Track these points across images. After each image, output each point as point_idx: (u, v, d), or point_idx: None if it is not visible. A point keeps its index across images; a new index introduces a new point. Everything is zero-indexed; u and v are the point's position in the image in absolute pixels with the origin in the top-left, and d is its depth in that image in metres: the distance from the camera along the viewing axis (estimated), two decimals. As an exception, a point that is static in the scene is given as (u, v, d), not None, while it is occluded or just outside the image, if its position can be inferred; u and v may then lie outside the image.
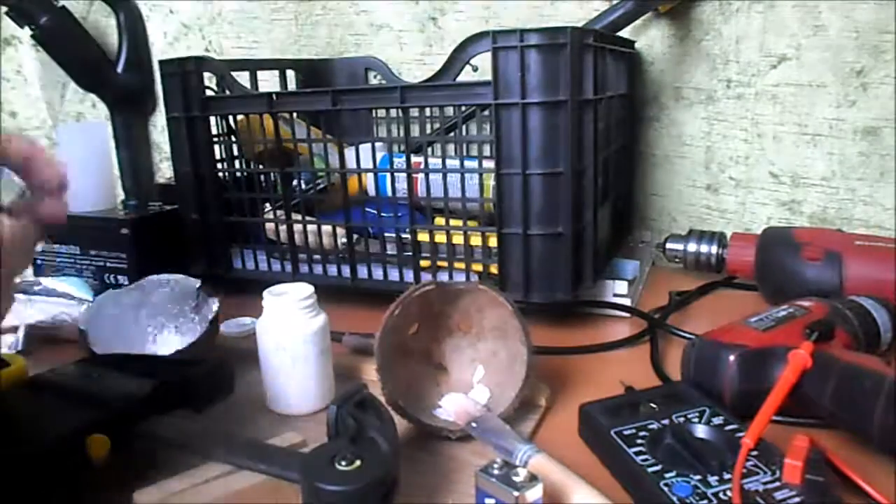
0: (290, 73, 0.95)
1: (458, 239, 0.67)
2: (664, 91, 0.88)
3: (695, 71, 0.86)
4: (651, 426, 0.44)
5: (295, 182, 0.76)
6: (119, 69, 1.09)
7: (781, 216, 0.85)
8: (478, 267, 0.67)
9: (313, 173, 0.75)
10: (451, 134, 0.75)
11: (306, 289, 0.51)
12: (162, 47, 1.13)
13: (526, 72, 0.58)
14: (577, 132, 0.60)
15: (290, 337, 0.50)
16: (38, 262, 0.79)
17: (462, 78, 0.62)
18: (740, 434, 0.41)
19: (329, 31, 1.02)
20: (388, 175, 0.69)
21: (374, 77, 0.99)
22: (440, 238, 0.67)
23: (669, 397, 0.48)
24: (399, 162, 0.70)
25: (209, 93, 0.74)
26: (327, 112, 0.67)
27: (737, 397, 0.48)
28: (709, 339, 0.51)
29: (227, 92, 0.73)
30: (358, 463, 0.35)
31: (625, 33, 0.80)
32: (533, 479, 0.34)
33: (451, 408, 0.48)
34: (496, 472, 0.35)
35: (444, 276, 0.68)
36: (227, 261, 0.78)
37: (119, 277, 0.75)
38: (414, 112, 0.65)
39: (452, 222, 0.68)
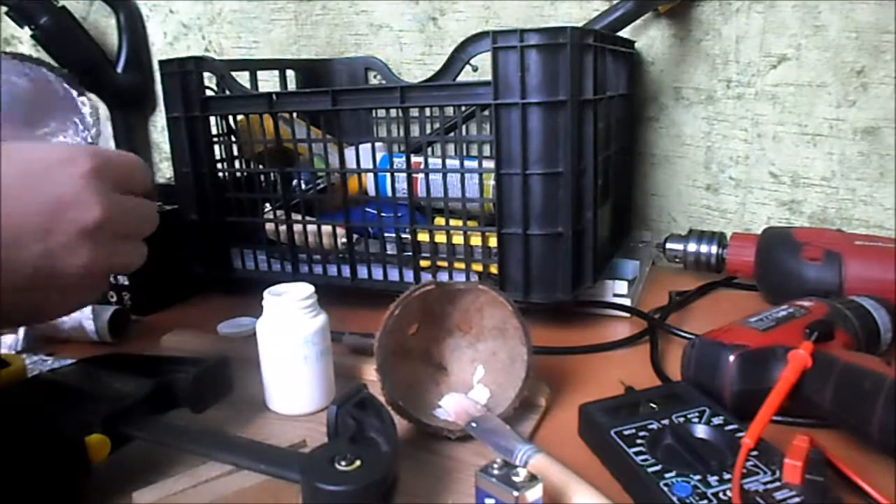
0: (290, 73, 0.95)
1: (458, 239, 0.67)
2: (664, 91, 0.88)
3: (695, 71, 0.86)
4: (651, 426, 0.44)
5: (295, 182, 0.76)
6: (119, 69, 1.09)
7: (781, 216, 0.85)
8: (478, 267, 0.67)
9: (313, 173, 0.75)
10: (451, 134, 0.75)
11: (306, 289, 0.51)
12: (162, 47, 1.13)
13: (526, 72, 0.58)
14: (577, 132, 0.60)
15: (290, 337, 0.50)
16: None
17: (462, 78, 0.61)
18: (740, 434, 0.41)
19: (329, 31, 1.02)
20: (388, 175, 0.69)
21: (374, 77, 0.99)
22: (440, 238, 0.67)
23: (669, 397, 0.48)
24: (399, 162, 0.70)
25: (209, 93, 0.74)
26: (327, 112, 0.67)
27: (737, 397, 0.48)
28: (709, 339, 0.51)
29: (227, 92, 0.73)
30: (358, 463, 0.35)
31: (625, 33, 0.80)
32: (533, 479, 0.34)
33: (451, 408, 0.48)
34: (496, 472, 0.35)
35: (444, 276, 0.68)
36: (227, 261, 0.78)
37: (119, 277, 0.75)
38: (414, 112, 0.65)
39: (452, 222, 0.68)
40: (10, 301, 0.35)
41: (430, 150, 0.71)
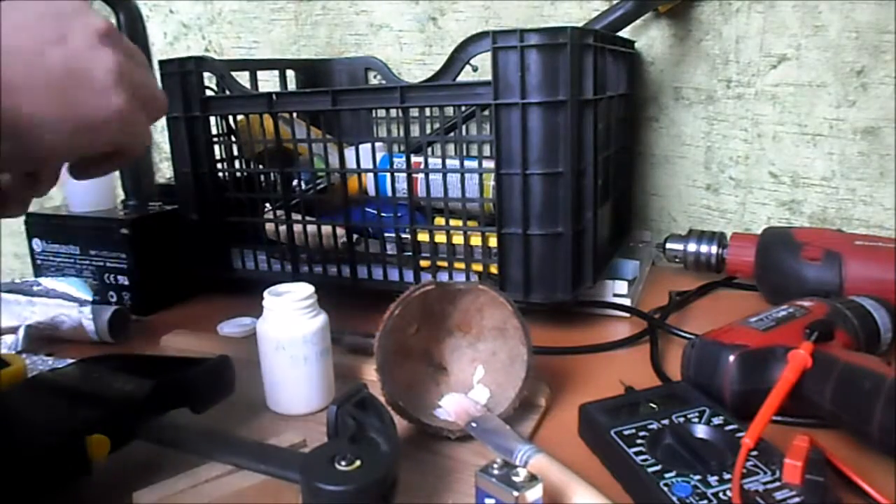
0: (290, 73, 0.95)
1: (458, 239, 0.67)
2: (664, 91, 0.88)
3: (695, 71, 0.86)
4: (651, 426, 0.44)
5: (295, 182, 0.76)
6: (119, 69, 1.09)
7: (781, 216, 0.85)
8: (478, 267, 0.67)
9: (313, 173, 0.75)
10: (451, 134, 0.75)
11: (306, 289, 0.51)
12: (162, 47, 1.13)
13: (526, 72, 0.58)
14: (577, 132, 0.60)
15: (290, 337, 0.50)
16: (38, 262, 0.79)
17: (462, 78, 0.62)
18: (740, 434, 0.41)
19: (329, 31, 1.02)
20: (388, 175, 0.69)
21: (374, 77, 0.99)
22: (440, 238, 0.67)
23: (669, 397, 0.48)
24: (399, 162, 0.70)
25: (209, 93, 0.74)
26: (327, 112, 0.67)
27: (737, 397, 0.48)
28: (709, 339, 0.51)
29: (227, 92, 0.73)
30: (358, 463, 0.35)
31: (625, 33, 0.80)
32: (533, 479, 0.34)
33: (451, 408, 0.48)
34: (496, 472, 0.35)
35: (444, 276, 0.68)
36: (227, 261, 0.78)
37: (119, 277, 0.75)
38: (414, 112, 0.65)
39: (452, 222, 0.68)
40: (48, 100, 0.36)
41: (430, 150, 0.71)
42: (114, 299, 0.76)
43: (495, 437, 0.44)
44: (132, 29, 1.09)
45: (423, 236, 0.68)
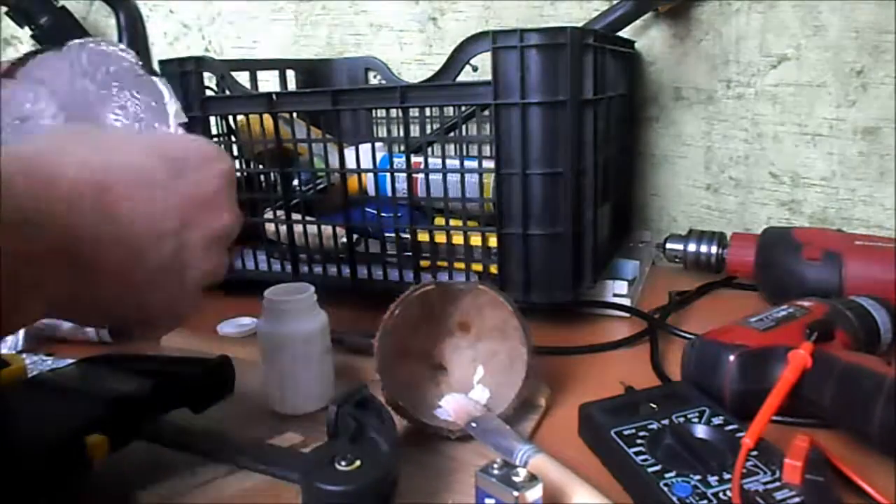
0: (290, 73, 0.95)
1: (458, 239, 0.67)
2: (664, 91, 0.88)
3: (695, 71, 0.86)
4: (651, 426, 0.44)
5: (295, 182, 0.76)
6: (119, 69, 1.09)
7: (781, 216, 0.85)
8: (478, 267, 0.67)
9: (313, 173, 0.75)
10: (451, 134, 0.75)
11: (306, 289, 0.51)
12: (162, 47, 1.13)
13: (526, 72, 0.58)
14: (577, 132, 0.60)
15: (290, 337, 0.50)
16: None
17: (462, 78, 0.61)
18: (740, 434, 0.41)
19: (329, 31, 1.02)
20: (388, 175, 0.69)
21: (374, 77, 0.99)
22: (440, 238, 0.67)
23: (669, 397, 0.48)
24: (399, 162, 0.70)
25: (209, 93, 0.74)
26: (327, 112, 0.67)
27: (737, 397, 0.48)
28: (709, 339, 0.51)
29: (227, 92, 0.73)
30: (358, 463, 0.35)
31: (625, 33, 0.81)
32: (533, 479, 0.34)
33: (451, 408, 0.48)
34: (496, 472, 0.35)
35: (444, 276, 0.68)
36: (226, 261, 0.77)
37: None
38: (414, 112, 0.65)
39: (452, 222, 0.68)
40: (139, 290, 0.34)
41: (430, 150, 0.71)
42: (114, 299, 0.76)
43: (495, 437, 0.44)
44: (132, 29, 1.09)
45: (423, 236, 0.68)
